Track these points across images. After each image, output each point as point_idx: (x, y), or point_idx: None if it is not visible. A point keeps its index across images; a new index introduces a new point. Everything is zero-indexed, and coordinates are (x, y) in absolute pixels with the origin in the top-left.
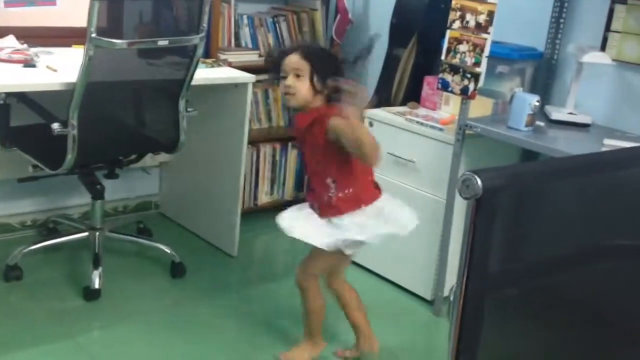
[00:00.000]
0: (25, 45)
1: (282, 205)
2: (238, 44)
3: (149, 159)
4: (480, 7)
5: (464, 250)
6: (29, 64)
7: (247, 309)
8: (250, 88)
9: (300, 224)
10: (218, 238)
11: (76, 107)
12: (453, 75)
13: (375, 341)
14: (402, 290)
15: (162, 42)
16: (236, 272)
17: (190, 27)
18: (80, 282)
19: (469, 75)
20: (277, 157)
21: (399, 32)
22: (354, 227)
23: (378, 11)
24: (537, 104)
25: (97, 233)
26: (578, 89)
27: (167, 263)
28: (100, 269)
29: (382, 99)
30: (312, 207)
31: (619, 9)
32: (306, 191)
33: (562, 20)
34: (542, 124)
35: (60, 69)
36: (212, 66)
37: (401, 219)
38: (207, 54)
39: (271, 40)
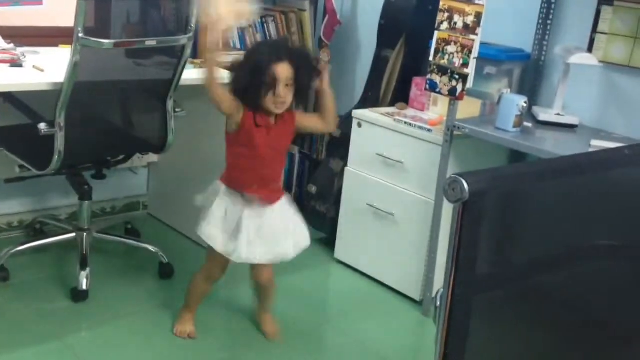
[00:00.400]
0: (11, 45)
1: None
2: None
3: (137, 160)
4: (468, 8)
5: (451, 254)
6: (15, 63)
7: (236, 309)
8: None
9: None
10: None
11: (63, 107)
12: (441, 77)
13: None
14: (391, 290)
15: (150, 42)
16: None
17: (178, 27)
18: (68, 283)
19: (457, 77)
20: None
21: (387, 33)
22: None
23: (366, 12)
24: (525, 105)
25: (85, 234)
26: (565, 90)
27: (156, 264)
28: (87, 270)
29: (371, 99)
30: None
31: (606, 10)
32: (257, 186)
33: (549, 22)
34: (529, 125)
35: (47, 68)
36: (201, 67)
37: None
38: (195, 55)
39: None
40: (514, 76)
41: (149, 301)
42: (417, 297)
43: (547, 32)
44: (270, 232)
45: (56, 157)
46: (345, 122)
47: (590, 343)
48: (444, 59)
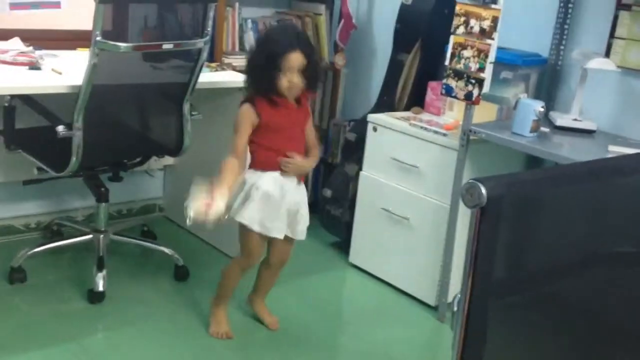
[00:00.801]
0: (30, 48)
1: None
2: (242, 48)
3: (153, 162)
4: (484, 12)
5: (468, 259)
6: (34, 66)
7: (251, 312)
8: None
9: None
10: (221, 241)
11: (81, 109)
12: (457, 81)
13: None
14: (406, 295)
15: (167, 46)
16: None
17: (194, 31)
18: (84, 284)
19: (473, 81)
20: None
21: (403, 37)
22: None
23: (382, 16)
24: (542, 109)
25: (102, 236)
26: (583, 95)
27: (171, 266)
28: (104, 271)
29: (386, 104)
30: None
31: (624, 15)
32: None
33: (566, 26)
34: (546, 130)
35: (65, 71)
36: (217, 70)
37: None
38: (211, 58)
39: None
40: (530, 81)
41: (165, 303)
42: (432, 303)
43: (564, 37)
44: (296, 210)
45: (74, 159)
46: (361, 126)
47: (607, 350)
48: (460, 63)
